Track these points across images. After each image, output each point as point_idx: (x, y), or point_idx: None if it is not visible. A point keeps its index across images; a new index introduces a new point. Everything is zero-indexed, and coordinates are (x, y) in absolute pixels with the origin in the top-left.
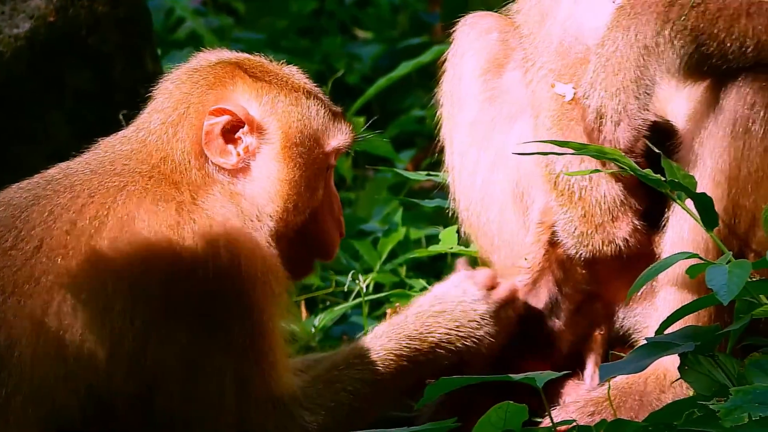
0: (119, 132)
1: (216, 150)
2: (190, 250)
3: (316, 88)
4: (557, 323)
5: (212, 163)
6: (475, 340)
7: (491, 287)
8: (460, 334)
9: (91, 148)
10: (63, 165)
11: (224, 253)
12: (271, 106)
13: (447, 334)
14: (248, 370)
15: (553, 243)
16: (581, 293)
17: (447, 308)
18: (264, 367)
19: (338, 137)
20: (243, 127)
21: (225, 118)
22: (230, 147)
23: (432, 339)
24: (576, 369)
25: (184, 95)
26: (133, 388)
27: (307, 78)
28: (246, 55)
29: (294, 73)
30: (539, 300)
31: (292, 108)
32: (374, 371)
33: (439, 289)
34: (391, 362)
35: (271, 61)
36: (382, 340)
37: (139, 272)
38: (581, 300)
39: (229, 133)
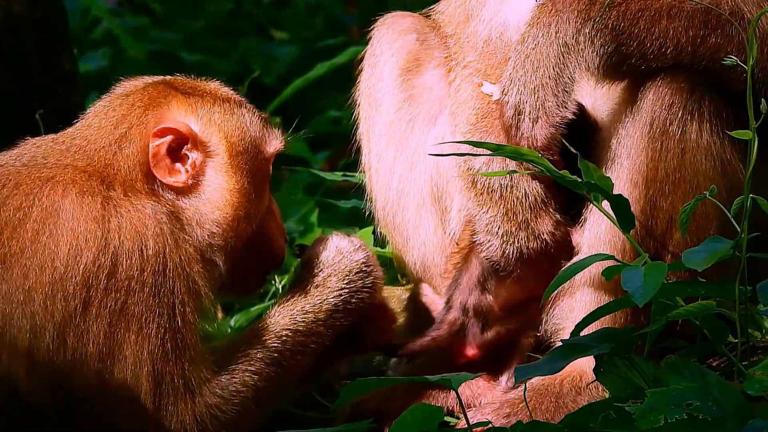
0: (48, 139)
1: (165, 170)
2: (115, 245)
3: (242, 98)
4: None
5: (161, 183)
6: (367, 290)
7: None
8: (352, 289)
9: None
10: None
11: (151, 248)
12: (209, 119)
13: (339, 295)
14: (166, 365)
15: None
16: (507, 293)
17: (330, 271)
18: (183, 362)
19: (274, 142)
20: (187, 143)
21: (169, 138)
22: (178, 165)
23: (327, 306)
24: (493, 370)
25: (122, 116)
26: (54, 381)
27: (230, 90)
28: (168, 76)
29: (219, 86)
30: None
31: (228, 117)
32: (273, 349)
33: (312, 256)
34: (288, 339)
35: (194, 78)
36: (277, 318)
37: (61, 265)
38: (508, 300)
39: (175, 152)
